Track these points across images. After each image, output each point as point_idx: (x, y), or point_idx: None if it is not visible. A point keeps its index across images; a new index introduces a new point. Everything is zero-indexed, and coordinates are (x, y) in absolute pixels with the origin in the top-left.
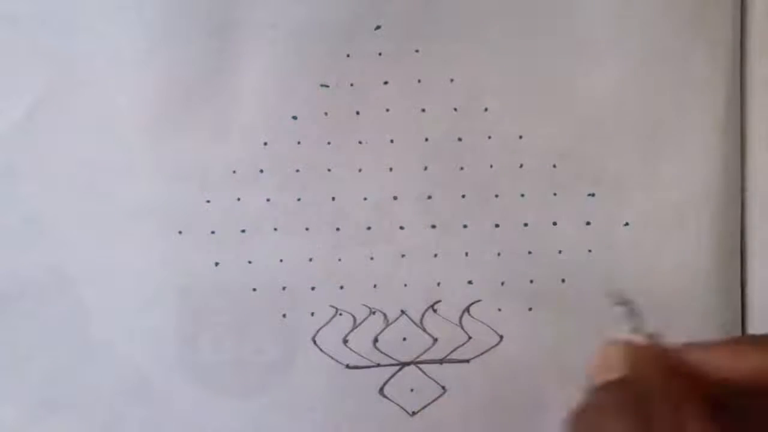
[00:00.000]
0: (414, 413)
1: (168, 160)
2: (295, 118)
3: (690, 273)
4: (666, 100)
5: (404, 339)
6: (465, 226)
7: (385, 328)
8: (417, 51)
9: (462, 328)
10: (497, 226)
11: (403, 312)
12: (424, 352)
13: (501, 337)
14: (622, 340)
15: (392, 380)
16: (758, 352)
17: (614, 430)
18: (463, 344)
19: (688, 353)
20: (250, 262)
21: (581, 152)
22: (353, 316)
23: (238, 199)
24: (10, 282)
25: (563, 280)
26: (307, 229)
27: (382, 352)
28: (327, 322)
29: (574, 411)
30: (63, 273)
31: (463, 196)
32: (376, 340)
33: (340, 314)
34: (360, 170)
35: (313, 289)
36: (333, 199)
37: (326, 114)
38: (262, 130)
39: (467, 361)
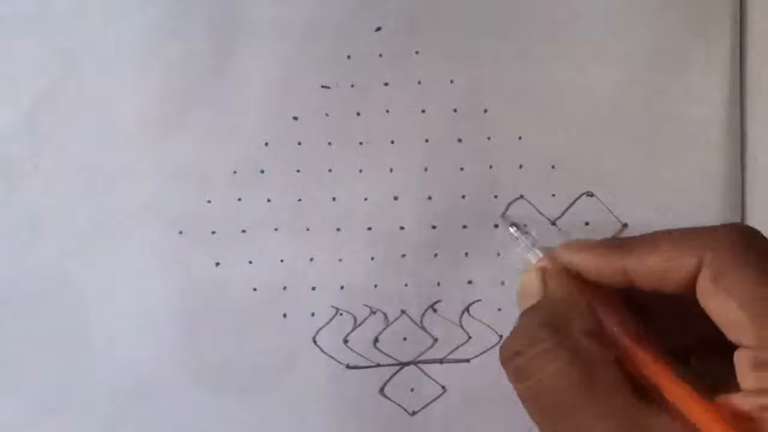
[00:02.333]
0: (414, 413)
1: (168, 160)
2: (295, 118)
3: None
4: (666, 100)
5: (404, 339)
6: (465, 227)
7: (385, 328)
8: (417, 52)
9: (462, 327)
10: (496, 226)
11: (403, 312)
12: (425, 351)
13: (501, 336)
14: (533, 268)
15: (392, 380)
16: (618, 254)
17: (537, 349)
18: (463, 344)
19: (561, 256)
20: (250, 262)
21: (580, 153)
22: (353, 316)
23: (239, 200)
24: (10, 282)
25: None
26: (307, 229)
27: (382, 352)
28: (327, 322)
29: (503, 344)
30: (63, 273)
31: (463, 197)
32: (376, 340)
33: (341, 314)
34: (360, 171)
35: (313, 289)
36: (333, 199)
37: (327, 115)
38: (263, 130)
39: (467, 360)
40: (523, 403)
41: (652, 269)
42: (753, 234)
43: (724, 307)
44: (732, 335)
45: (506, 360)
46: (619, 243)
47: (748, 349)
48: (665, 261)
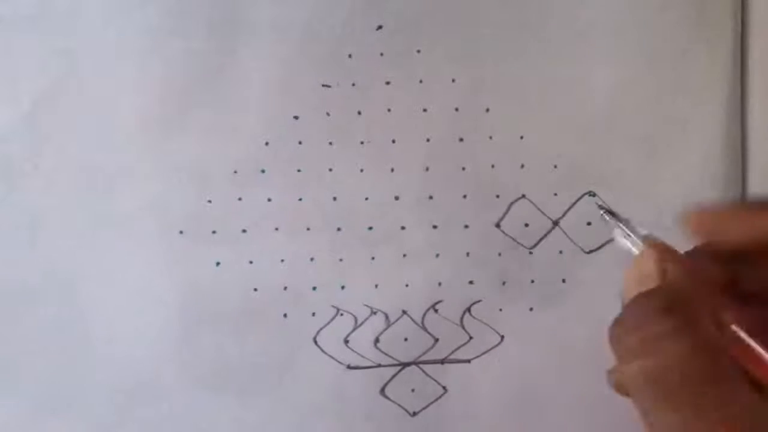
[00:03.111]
0: (415, 413)
1: (168, 160)
2: (296, 118)
3: None
4: (666, 100)
5: (405, 339)
6: (466, 226)
7: (386, 329)
8: (418, 51)
9: (463, 328)
10: (498, 226)
11: (404, 312)
12: (425, 352)
13: (501, 337)
14: (649, 251)
15: (393, 380)
16: (762, 215)
17: (658, 331)
18: (464, 344)
19: (700, 223)
20: (251, 262)
21: (582, 152)
22: (354, 317)
23: (240, 199)
24: (10, 282)
25: (564, 280)
26: (308, 229)
27: (383, 353)
28: (328, 323)
29: (616, 320)
30: (63, 273)
31: (465, 197)
32: (377, 341)
33: (342, 314)
34: (361, 170)
35: (314, 289)
36: (334, 199)
37: (328, 114)
38: (264, 129)
39: (468, 361)
40: (633, 384)
41: None
42: None
43: None
44: None
45: (619, 337)
46: (759, 203)
47: None
48: None
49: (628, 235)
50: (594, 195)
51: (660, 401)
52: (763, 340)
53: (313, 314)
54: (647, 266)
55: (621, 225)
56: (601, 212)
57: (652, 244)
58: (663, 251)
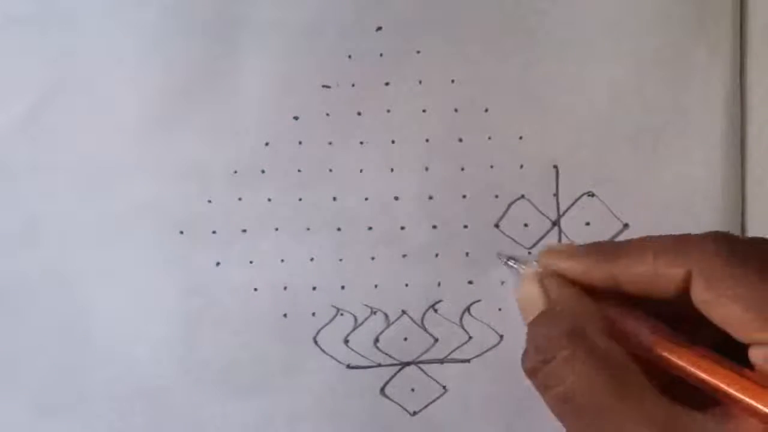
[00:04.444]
0: (415, 413)
1: (168, 160)
2: (296, 118)
3: None
4: (666, 100)
5: (405, 339)
6: (465, 227)
7: (386, 328)
8: (418, 52)
9: (462, 327)
10: (497, 226)
11: (404, 312)
12: (425, 351)
13: (501, 337)
14: (528, 276)
15: (393, 380)
16: (605, 261)
17: (561, 356)
18: (463, 344)
19: (548, 263)
20: (251, 262)
21: (581, 153)
22: (354, 316)
23: (240, 199)
24: (10, 282)
25: None
26: (308, 229)
27: (383, 352)
28: (328, 322)
29: (522, 356)
30: (63, 273)
31: (464, 197)
32: (377, 340)
33: (341, 314)
34: (361, 170)
35: (314, 289)
36: (334, 199)
37: (328, 114)
38: (264, 130)
39: (468, 360)
40: (554, 411)
41: (640, 279)
42: (733, 238)
43: (727, 311)
44: (742, 336)
45: (531, 371)
46: (607, 249)
47: (763, 347)
48: (652, 272)
49: (520, 265)
50: (593, 195)
51: (576, 424)
52: (670, 335)
53: (313, 314)
54: (532, 290)
55: (511, 260)
56: (505, 260)
57: (538, 266)
58: (544, 272)
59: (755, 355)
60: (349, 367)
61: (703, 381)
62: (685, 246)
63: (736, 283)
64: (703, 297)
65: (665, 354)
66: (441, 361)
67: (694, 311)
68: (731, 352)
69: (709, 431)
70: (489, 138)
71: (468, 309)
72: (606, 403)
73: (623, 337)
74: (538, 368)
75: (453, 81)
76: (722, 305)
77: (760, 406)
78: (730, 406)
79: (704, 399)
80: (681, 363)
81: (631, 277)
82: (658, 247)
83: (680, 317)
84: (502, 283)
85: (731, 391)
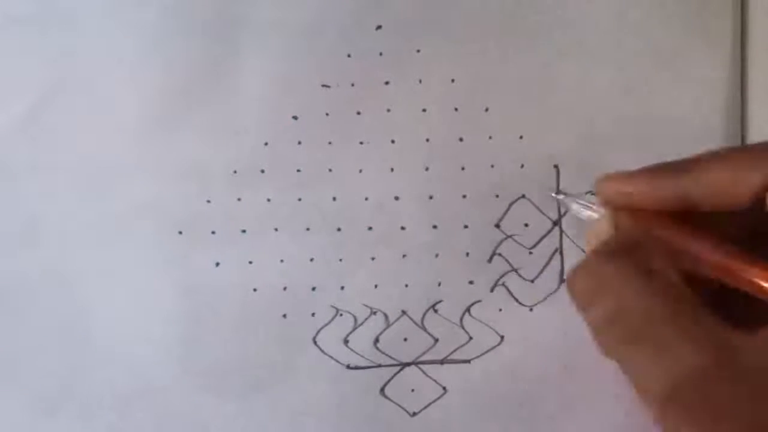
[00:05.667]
0: (415, 414)
1: (168, 160)
2: (295, 118)
3: None
4: (666, 100)
5: (405, 339)
6: (466, 227)
7: (385, 329)
8: (418, 51)
9: (463, 328)
10: (497, 226)
11: (403, 312)
12: (425, 352)
13: (501, 337)
14: (605, 212)
15: (393, 381)
16: (674, 175)
17: (612, 273)
18: (463, 344)
19: (610, 188)
20: (250, 263)
21: (582, 152)
22: (354, 317)
23: (239, 199)
24: (10, 282)
25: (564, 280)
26: (307, 229)
27: (382, 353)
28: (328, 323)
29: (572, 269)
30: (63, 273)
31: (464, 197)
32: (376, 341)
33: (341, 314)
34: (361, 170)
35: (313, 289)
36: (334, 199)
37: (327, 114)
38: (263, 130)
39: (468, 361)
40: (594, 333)
41: (713, 188)
42: None
43: None
44: None
45: (576, 283)
46: (674, 164)
47: None
48: (729, 179)
49: (588, 206)
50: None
51: (622, 343)
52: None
53: (313, 314)
54: (604, 225)
55: (578, 200)
56: (557, 196)
57: (607, 206)
58: (616, 209)
59: None
60: (348, 367)
61: None
62: (764, 151)
63: None
64: None
65: (737, 270)
66: (441, 362)
67: (763, 231)
68: None
69: (761, 351)
70: (489, 137)
71: (468, 309)
72: (657, 322)
73: (684, 259)
74: (583, 281)
75: (453, 80)
76: None
77: None
78: None
79: (750, 318)
80: (749, 277)
81: (703, 189)
82: (734, 153)
83: (749, 238)
84: (503, 283)
85: None
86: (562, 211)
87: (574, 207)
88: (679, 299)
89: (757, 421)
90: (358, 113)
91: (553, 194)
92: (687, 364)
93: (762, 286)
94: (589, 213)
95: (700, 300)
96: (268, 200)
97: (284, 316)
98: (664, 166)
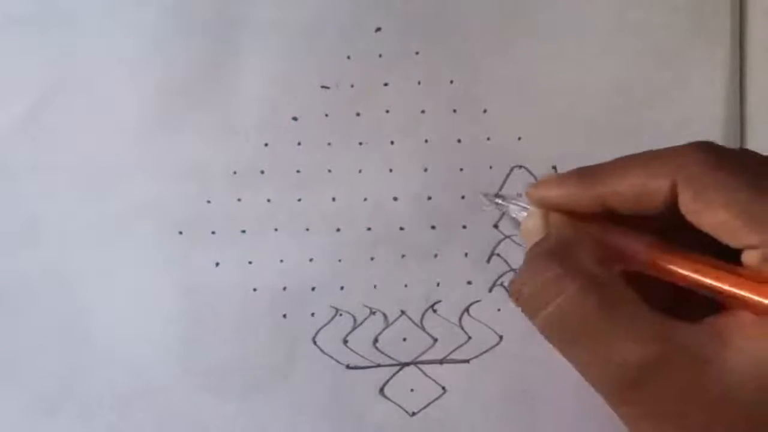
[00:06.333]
0: (414, 413)
1: (168, 160)
2: (295, 119)
3: None
4: (666, 100)
5: (404, 339)
6: (464, 227)
7: (385, 329)
8: (417, 53)
9: (462, 328)
10: (496, 226)
11: (403, 312)
12: (424, 352)
13: (501, 337)
14: (534, 213)
15: (392, 380)
16: (590, 183)
17: (548, 277)
18: (463, 344)
19: (535, 194)
20: (250, 263)
21: (580, 153)
22: (353, 317)
23: (239, 200)
24: (10, 282)
25: None
26: (307, 229)
27: (382, 353)
28: (327, 323)
29: (512, 278)
30: (63, 273)
31: (463, 197)
32: (376, 341)
33: (340, 314)
34: (360, 171)
35: (313, 289)
36: (333, 199)
37: (327, 115)
38: (263, 130)
39: (467, 361)
40: (544, 334)
41: (626, 195)
42: (719, 147)
43: (716, 218)
44: (733, 242)
45: (517, 293)
46: (590, 171)
47: (755, 250)
48: (639, 185)
49: (523, 207)
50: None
51: (566, 343)
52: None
53: (312, 314)
54: (536, 222)
55: (513, 201)
56: (491, 199)
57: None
58: (547, 207)
59: (748, 258)
60: (348, 367)
61: (699, 284)
62: (671, 156)
63: (724, 190)
64: (691, 206)
65: (662, 263)
66: (440, 362)
67: (682, 225)
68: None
69: (701, 338)
70: (488, 138)
71: (467, 309)
72: (595, 321)
73: (618, 256)
74: (523, 291)
75: (452, 81)
76: (711, 213)
77: (754, 296)
78: (726, 310)
79: (705, 313)
80: (677, 269)
81: (619, 195)
82: (644, 160)
83: (669, 235)
84: (502, 283)
85: (727, 287)
86: (500, 213)
87: (512, 208)
88: (614, 297)
89: (704, 405)
90: (358, 114)
91: (483, 196)
92: (626, 359)
93: (683, 275)
94: (521, 212)
95: (637, 296)
96: (268, 201)
97: (284, 316)
98: (586, 171)
